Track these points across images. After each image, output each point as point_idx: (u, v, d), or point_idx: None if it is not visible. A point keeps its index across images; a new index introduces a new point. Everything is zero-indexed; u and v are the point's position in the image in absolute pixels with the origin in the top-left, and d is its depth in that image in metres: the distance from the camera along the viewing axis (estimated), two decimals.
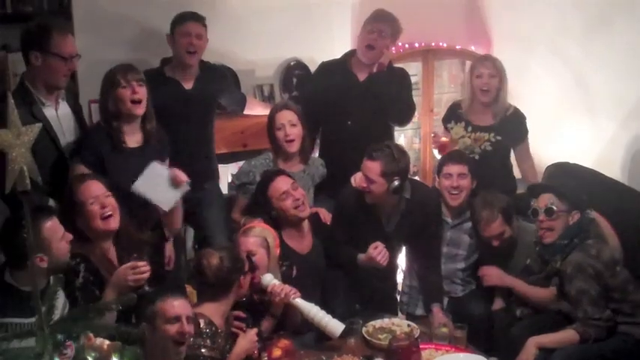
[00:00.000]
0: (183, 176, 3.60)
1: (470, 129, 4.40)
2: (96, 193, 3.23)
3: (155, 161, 3.60)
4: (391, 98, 4.35)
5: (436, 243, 4.06)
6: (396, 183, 3.78)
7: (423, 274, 4.03)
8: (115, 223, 3.27)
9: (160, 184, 3.56)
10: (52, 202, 3.47)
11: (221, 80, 4.37)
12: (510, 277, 3.85)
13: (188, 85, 4.17)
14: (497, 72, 4.38)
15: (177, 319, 2.82)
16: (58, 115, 3.65)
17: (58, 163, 3.59)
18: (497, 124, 4.40)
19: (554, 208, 3.59)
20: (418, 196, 3.97)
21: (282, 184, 3.81)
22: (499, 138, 4.37)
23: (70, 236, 2.93)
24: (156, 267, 3.34)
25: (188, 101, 4.12)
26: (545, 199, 3.64)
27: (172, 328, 2.81)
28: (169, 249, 3.96)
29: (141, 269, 3.11)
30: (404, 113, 4.52)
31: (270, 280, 3.49)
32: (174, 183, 3.59)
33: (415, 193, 3.96)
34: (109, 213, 3.23)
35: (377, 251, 3.73)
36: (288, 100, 4.53)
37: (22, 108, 3.37)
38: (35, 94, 3.55)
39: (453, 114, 4.54)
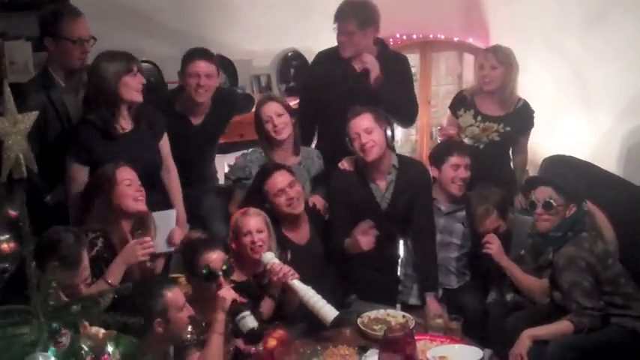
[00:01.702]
0: (177, 240, 3.61)
1: (479, 118, 4.39)
2: (131, 176, 3.36)
3: (174, 210, 3.70)
4: (390, 90, 4.28)
5: (429, 219, 4.07)
6: (389, 132, 3.93)
7: (418, 257, 4.05)
8: (144, 206, 3.38)
9: (160, 229, 3.59)
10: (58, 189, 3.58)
11: (231, 109, 4.32)
12: (507, 259, 3.84)
13: (196, 121, 4.11)
14: (501, 64, 4.33)
15: (183, 305, 2.91)
16: (78, 100, 3.69)
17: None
18: (507, 115, 4.39)
19: (554, 203, 3.59)
20: (406, 165, 4.06)
21: (279, 180, 3.79)
22: (508, 129, 4.36)
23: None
24: None
25: (194, 136, 4.07)
26: (544, 193, 3.63)
27: (184, 315, 2.89)
28: (177, 232, 3.83)
29: (148, 244, 3.24)
30: (406, 110, 4.40)
31: (270, 258, 3.50)
32: (168, 239, 3.61)
33: (402, 162, 4.06)
34: (140, 196, 3.37)
35: (360, 230, 3.78)
36: (272, 93, 4.49)
37: (41, 92, 3.61)
38: (56, 79, 3.64)
39: (462, 102, 4.50)
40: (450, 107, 4.63)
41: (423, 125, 5.38)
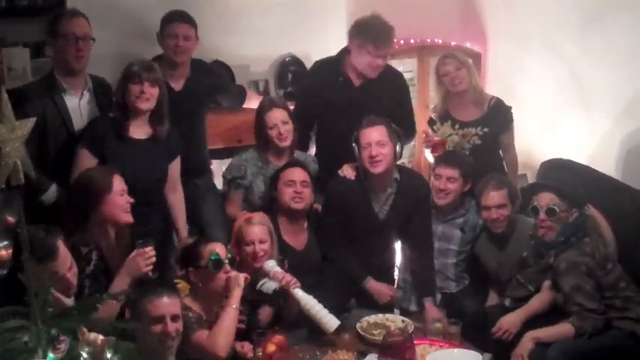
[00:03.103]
0: None
1: (457, 126, 4.40)
2: (124, 186, 3.35)
3: None
4: (388, 105, 4.27)
5: (426, 230, 4.09)
6: (398, 148, 3.93)
7: (415, 265, 4.06)
8: (131, 217, 3.37)
9: None
10: (54, 188, 3.61)
11: (212, 79, 4.33)
12: (520, 316, 3.64)
13: (177, 86, 4.13)
14: (462, 64, 4.37)
15: (161, 318, 2.82)
16: (80, 104, 3.74)
17: (68, 150, 3.66)
18: (483, 116, 4.40)
19: (557, 209, 3.59)
20: (406, 178, 4.06)
21: (296, 174, 3.88)
22: (486, 130, 4.36)
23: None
24: (163, 253, 3.48)
25: (176, 102, 4.02)
26: (547, 199, 3.63)
27: (157, 328, 2.81)
28: None
29: (150, 254, 3.20)
30: (404, 129, 4.28)
31: (272, 266, 3.52)
32: None
33: (403, 175, 4.05)
34: (129, 208, 3.36)
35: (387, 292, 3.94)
36: (276, 98, 4.48)
37: (44, 94, 3.64)
38: (60, 82, 3.69)
39: (437, 117, 4.52)
40: (428, 123, 4.63)
41: (421, 130, 5.36)
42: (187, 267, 3.35)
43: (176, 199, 3.94)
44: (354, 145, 3.94)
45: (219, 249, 3.29)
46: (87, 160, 3.59)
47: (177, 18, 4.06)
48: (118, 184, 3.33)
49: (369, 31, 4.12)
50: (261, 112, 4.13)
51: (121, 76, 3.68)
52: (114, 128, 3.65)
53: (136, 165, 3.63)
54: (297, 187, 3.84)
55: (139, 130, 3.71)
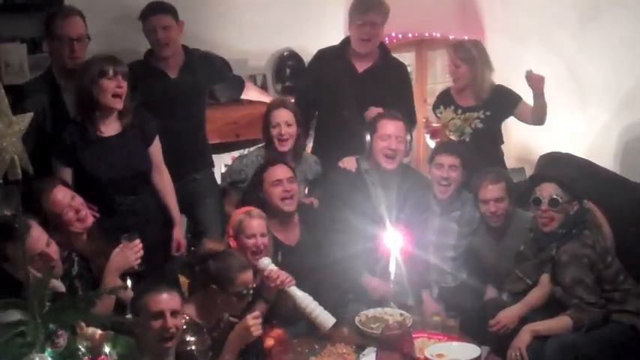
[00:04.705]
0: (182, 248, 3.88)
1: (459, 111, 4.43)
2: (66, 201, 3.21)
3: None
4: (390, 94, 4.32)
5: (422, 230, 4.09)
6: (408, 146, 3.99)
7: (412, 258, 4.04)
8: (90, 219, 3.28)
9: None
10: None
11: (209, 67, 4.27)
12: (519, 309, 3.65)
13: (173, 74, 4.09)
14: (463, 61, 4.39)
15: (160, 314, 2.77)
16: None
17: None
18: (485, 101, 4.43)
19: (560, 199, 3.60)
20: (410, 177, 4.09)
21: (279, 172, 3.81)
22: (488, 113, 4.40)
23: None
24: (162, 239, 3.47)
25: (173, 91, 4.03)
26: (549, 189, 3.64)
27: (156, 324, 2.77)
28: (178, 233, 3.89)
29: (138, 247, 3.16)
30: (405, 118, 4.33)
31: (267, 264, 3.50)
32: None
33: (407, 174, 4.08)
34: (84, 214, 3.24)
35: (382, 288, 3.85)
36: (286, 99, 4.46)
37: (43, 91, 3.65)
38: (58, 79, 3.68)
39: (442, 100, 4.58)
40: (432, 107, 4.68)
41: (419, 124, 5.36)
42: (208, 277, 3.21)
43: (164, 180, 3.83)
44: (366, 133, 3.95)
45: (250, 279, 3.17)
46: (62, 172, 3.52)
47: (150, 11, 4.00)
48: (62, 198, 3.19)
49: (354, 2, 4.27)
50: (269, 110, 4.13)
51: (87, 74, 3.49)
52: (82, 133, 3.53)
53: (113, 162, 3.56)
54: (284, 186, 3.77)
55: (109, 127, 3.59)
